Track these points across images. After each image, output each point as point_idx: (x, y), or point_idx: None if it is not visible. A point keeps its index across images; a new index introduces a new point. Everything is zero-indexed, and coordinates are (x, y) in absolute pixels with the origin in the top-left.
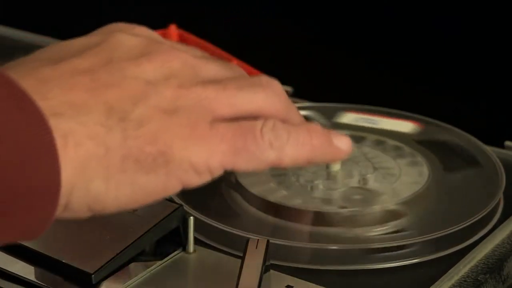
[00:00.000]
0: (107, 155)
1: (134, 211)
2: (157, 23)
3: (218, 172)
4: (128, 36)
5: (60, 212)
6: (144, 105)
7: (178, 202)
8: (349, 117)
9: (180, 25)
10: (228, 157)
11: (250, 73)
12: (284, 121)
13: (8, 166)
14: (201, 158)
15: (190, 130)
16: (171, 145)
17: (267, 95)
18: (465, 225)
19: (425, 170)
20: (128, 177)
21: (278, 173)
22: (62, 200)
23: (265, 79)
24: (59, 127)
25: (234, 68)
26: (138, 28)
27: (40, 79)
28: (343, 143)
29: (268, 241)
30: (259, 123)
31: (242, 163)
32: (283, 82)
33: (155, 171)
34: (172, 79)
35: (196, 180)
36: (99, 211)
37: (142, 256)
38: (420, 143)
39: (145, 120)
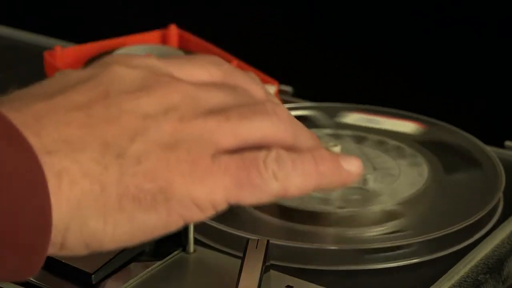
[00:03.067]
0: (103, 193)
1: None
2: (157, 23)
3: (222, 207)
4: (126, 69)
5: (57, 251)
6: (142, 141)
7: None
8: (351, 117)
9: (180, 25)
10: (231, 192)
11: None
12: (293, 147)
13: None
14: (203, 194)
15: (191, 166)
16: (171, 182)
17: (273, 122)
18: (465, 225)
19: (425, 170)
20: (126, 215)
21: None
22: (57, 239)
23: (270, 105)
24: (53, 166)
25: (239, 92)
26: (137, 59)
27: (33, 115)
28: (353, 166)
29: (268, 241)
30: (262, 155)
31: (246, 197)
32: (283, 82)
33: (155, 209)
34: (172, 113)
35: (199, 216)
36: (97, 249)
37: (142, 256)
38: (420, 143)
39: (143, 156)
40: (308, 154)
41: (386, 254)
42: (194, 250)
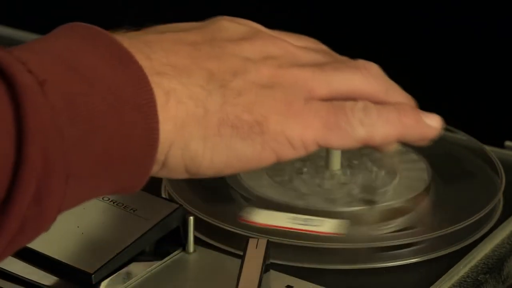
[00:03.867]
0: (206, 116)
1: (134, 211)
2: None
3: (312, 148)
4: (232, 23)
5: (158, 169)
6: (242, 78)
7: (178, 202)
8: None
9: None
10: (321, 133)
11: None
12: (383, 102)
13: (110, 121)
14: (295, 132)
15: (285, 106)
16: (267, 117)
17: (364, 77)
18: (465, 225)
19: (425, 170)
20: (224, 140)
21: (279, 173)
22: (161, 156)
23: (362, 62)
24: (161, 85)
25: (334, 55)
26: (244, 20)
27: (145, 42)
28: (433, 121)
29: (268, 241)
30: (350, 103)
31: (334, 140)
32: None
33: (251, 139)
34: (271, 60)
35: (291, 154)
36: (194, 173)
37: (142, 256)
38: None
39: (244, 91)
40: (392, 107)
41: (386, 253)
42: (194, 250)
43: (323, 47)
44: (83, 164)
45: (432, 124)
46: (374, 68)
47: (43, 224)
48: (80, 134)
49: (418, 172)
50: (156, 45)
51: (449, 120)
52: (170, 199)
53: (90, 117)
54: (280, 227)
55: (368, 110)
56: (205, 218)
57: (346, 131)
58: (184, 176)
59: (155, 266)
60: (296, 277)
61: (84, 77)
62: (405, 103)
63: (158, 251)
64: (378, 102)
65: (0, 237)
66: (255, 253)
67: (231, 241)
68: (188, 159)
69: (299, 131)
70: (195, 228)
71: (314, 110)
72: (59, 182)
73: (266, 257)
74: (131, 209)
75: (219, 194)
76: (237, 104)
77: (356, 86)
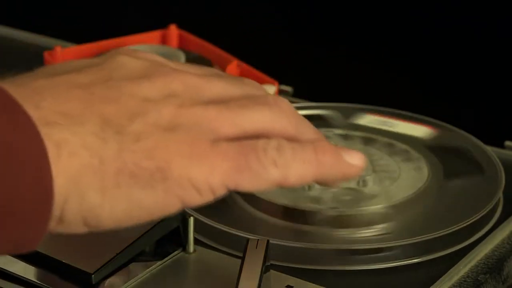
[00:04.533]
0: (102, 166)
1: None
2: (157, 23)
3: (220, 192)
4: (130, 58)
5: (54, 225)
6: (141, 122)
7: None
8: (364, 119)
9: (180, 25)
10: (230, 176)
11: (250, 74)
12: (294, 138)
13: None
14: (201, 176)
15: (190, 147)
16: (169, 161)
17: (273, 113)
18: (465, 225)
19: (425, 169)
20: (123, 191)
21: None
22: (56, 211)
23: (271, 97)
24: (52, 137)
25: (241, 84)
26: (142, 52)
27: (33, 89)
28: (354, 158)
29: (268, 241)
30: (262, 141)
31: (245, 182)
32: (283, 82)
33: (153, 187)
34: (172, 99)
35: (197, 199)
36: (94, 227)
37: (142, 256)
38: (421, 143)
39: (142, 136)
40: (309, 144)
41: (386, 254)
42: (194, 250)
43: (227, 74)
44: None
45: (353, 162)
46: (284, 104)
47: None
48: None
49: (418, 172)
50: (46, 91)
51: (449, 120)
52: None
53: None
54: None
55: (282, 150)
56: (204, 220)
57: (257, 173)
58: (83, 230)
59: (155, 266)
60: (296, 277)
61: None
62: (322, 140)
63: (158, 251)
64: (289, 139)
65: None
66: (255, 253)
67: (231, 242)
68: (85, 213)
69: (205, 175)
70: (195, 229)
71: (222, 151)
72: None
73: (266, 258)
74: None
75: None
76: (136, 151)
77: (265, 123)
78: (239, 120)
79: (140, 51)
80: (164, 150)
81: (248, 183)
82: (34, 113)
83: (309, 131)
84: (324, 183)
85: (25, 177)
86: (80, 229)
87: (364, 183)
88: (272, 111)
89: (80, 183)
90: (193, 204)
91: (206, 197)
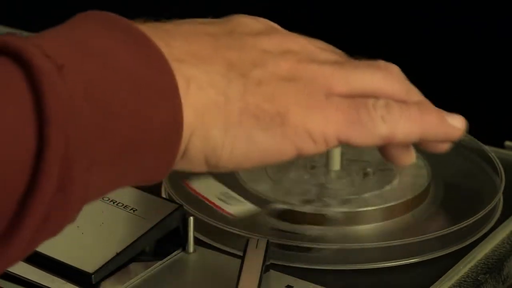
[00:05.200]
0: (226, 104)
1: (134, 210)
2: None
3: (333, 143)
4: (251, 20)
5: (178, 158)
6: (262, 69)
7: (178, 202)
8: None
9: None
10: (342, 128)
11: None
12: (402, 101)
13: (131, 105)
14: (316, 125)
15: (306, 98)
16: (288, 108)
17: (385, 76)
18: (465, 225)
19: (425, 170)
20: (244, 130)
21: (278, 173)
22: (182, 144)
23: (383, 62)
24: (182, 72)
25: (352, 59)
26: (261, 18)
27: (164, 30)
28: (457, 121)
29: (268, 241)
30: (372, 99)
31: (356, 136)
32: None
33: (272, 130)
34: (290, 55)
35: (311, 148)
36: (214, 165)
37: (142, 256)
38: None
39: (264, 82)
40: (414, 104)
41: (386, 253)
42: (194, 250)
43: (340, 51)
44: (105, 151)
45: (455, 124)
46: (395, 69)
47: (68, 213)
48: (101, 119)
49: (418, 172)
50: (176, 33)
51: None
52: (170, 199)
53: (110, 101)
54: (205, 198)
55: (390, 107)
56: (204, 219)
57: (367, 127)
58: (203, 168)
59: (155, 266)
60: (296, 277)
61: (101, 61)
62: (428, 102)
63: (158, 251)
64: (397, 101)
65: (27, 225)
66: (255, 253)
67: (231, 242)
68: (208, 149)
69: (321, 125)
70: (195, 229)
71: (335, 104)
72: (82, 169)
73: (266, 257)
74: (131, 209)
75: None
76: (258, 94)
77: (376, 85)
78: (352, 79)
79: (258, 17)
80: (283, 97)
81: (358, 137)
82: (165, 50)
83: (415, 95)
84: (427, 143)
85: (157, 108)
86: (201, 167)
87: (364, 183)
88: (383, 74)
89: (205, 119)
90: (307, 151)
91: (320, 147)
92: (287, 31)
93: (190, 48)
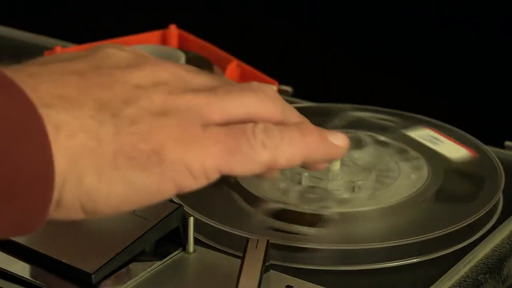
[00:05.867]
0: (99, 148)
1: (133, 211)
2: (157, 23)
3: (213, 176)
4: (117, 50)
5: (53, 210)
6: (134, 107)
7: (178, 202)
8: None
9: (180, 25)
10: (222, 160)
11: (250, 74)
12: (280, 123)
13: (1, 151)
14: (195, 159)
15: (182, 132)
16: (164, 145)
17: (259, 98)
18: (464, 225)
19: (425, 169)
20: (120, 173)
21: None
22: (55, 192)
23: (256, 84)
24: (51, 118)
25: (224, 79)
26: (129, 47)
27: (28, 74)
28: (338, 139)
29: (268, 241)
30: (250, 125)
31: (237, 166)
32: (283, 82)
33: (149, 170)
34: (162, 86)
35: (191, 184)
36: (92, 211)
37: (142, 256)
38: (420, 143)
39: (137, 119)
40: (294, 126)
41: (386, 254)
42: (194, 250)
43: (212, 74)
44: None
45: (337, 142)
46: (269, 90)
47: None
48: None
49: (417, 172)
50: (41, 76)
51: (450, 120)
52: (170, 199)
53: None
54: None
55: (269, 132)
56: (204, 219)
57: (248, 155)
58: (80, 216)
59: (155, 266)
60: (296, 277)
61: None
62: (307, 122)
63: (158, 251)
64: (275, 123)
65: None
66: (255, 253)
67: (231, 242)
68: (83, 196)
69: (200, 159)
70: (195, 229)
71: (213, 135)
72: None
73: (266, 257)
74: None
75: (219, 195)
76: (132, 133)
77: (251, 108)
78: (227, 106)
79: (126, 46)
80: (159, 133)
81: (240, 166)
82: (32, 95)
83: (294, 115)
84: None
85: (27, 154)
86: (78, 214)
87: (365, 183)
88: (257, 96)
89: (78, 165)
90: (187, 188)
91: (200, 181)
92: (156, 58)
93: (57, 91)
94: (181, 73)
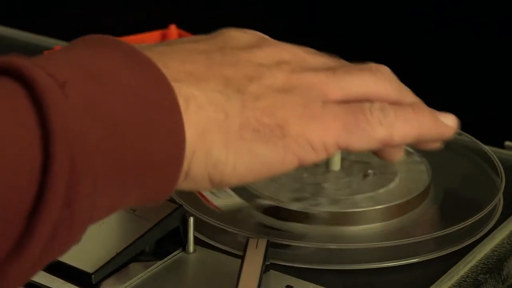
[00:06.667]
0: (226, 121)
1: (133, 211)
2: (157, 23)
3: (333, 150)
4: (240, 32)
5: (181, 180)
6: (258, 83)
7: (178, 202)
8: None
9: (180, 25)
10: (341, 135)
11: None
12: (395, 103)
13: (133, 123)
14: (316, 135)
15: (304, 109)
16: (287, 120)
17: (377, 78)
18: (465, 225)
19: (425, 169)
20: (246, 145)
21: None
22: (185, 163)
23: (374, 65)
24: (181, 91)
25: (341, 60)
26: (250, 30)
27: (158, 52)
28: (449, 120)
29: (268, 241)
30: (367, 103)
31: (355, 141)
32: None
33: (273, 142)
34: (284, 65)
35: (312, 157)
36: (218, 182)
37: (142, 256)
38: None
39: (261, 96)
40: (408, 106)
41: (386, 253)
42: (194, 250)
43: (330, 55)
44: (109, 168)
45: (448, 123)
46: (386, 71)
47: (74, 232)
48: (103, 136)
49: (418, 172)
50: (170, 54)
51: None
52: (170, 199)
53: (112, 119)
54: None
55: (385, 110)
56: (205, 219)
57: (366, 131)
58: (207, 187)
59: (155, 266)
60: (296, 277)
61: (104, 81)
62: (421, 103)
63: (158, 251)
64: (392, 103)
65: (34, 243)
66: (255, 253)
67: (231, 242)
68: (211, 167)
69: (320, 134)
70: (195, 229)
71: (332, 112)
72: (87, 186)
73: (266, 257)
74: (131, 209)
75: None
76: (257, 108)
77: (369, 88)
78: (346, 85)
79: (246, 29)
80: (282, 109)
81: (357, 142)
82: (164, 71)
83: (408, 95)
84: (423, 143)
85: (161, 127)
86: (205, 185)
87: (363, 184)
88: (375, 76)
89: (206, 137)
90: (308, 161)
91: (321, 155)
92: (275, 40)
93: (185, 67)
94: (301, 53)
